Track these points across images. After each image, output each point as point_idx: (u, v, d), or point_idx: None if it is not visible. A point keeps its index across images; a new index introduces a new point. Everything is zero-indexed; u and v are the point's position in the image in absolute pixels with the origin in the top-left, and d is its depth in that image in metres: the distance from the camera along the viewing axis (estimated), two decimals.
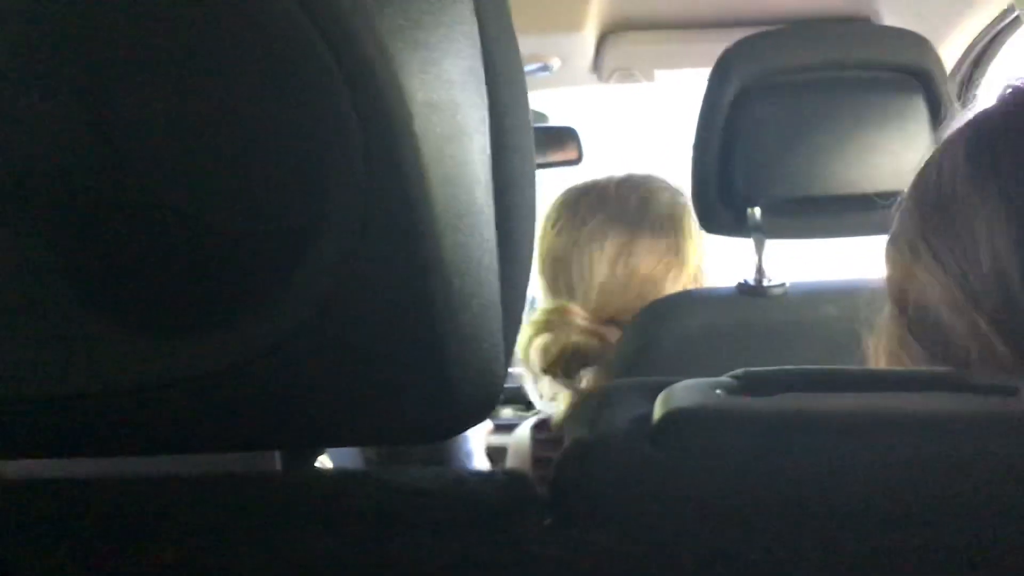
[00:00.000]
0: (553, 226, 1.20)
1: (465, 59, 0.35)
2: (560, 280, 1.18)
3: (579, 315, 1.15)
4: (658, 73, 1.72)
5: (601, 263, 1.15)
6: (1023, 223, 0.46)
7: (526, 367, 1.20)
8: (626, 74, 1.72)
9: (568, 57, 1.69)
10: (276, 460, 0.43)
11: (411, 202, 0.33)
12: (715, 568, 0.34)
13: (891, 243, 0.55)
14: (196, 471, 0.38)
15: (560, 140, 1.82)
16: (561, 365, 1.15)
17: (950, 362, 0.48)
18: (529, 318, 1.17)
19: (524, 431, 1.29)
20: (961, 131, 0.52)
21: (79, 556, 0.36)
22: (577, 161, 1.82)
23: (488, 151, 0.36)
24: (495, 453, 1.59)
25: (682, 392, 0.37)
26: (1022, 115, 0.49)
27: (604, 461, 0.36)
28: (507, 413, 1.90)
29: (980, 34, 1.41)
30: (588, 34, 1.62)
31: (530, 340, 1.16)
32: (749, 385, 0.38)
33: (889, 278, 0.54)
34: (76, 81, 0.32)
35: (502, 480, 0.37)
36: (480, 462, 1.44)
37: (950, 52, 1.43)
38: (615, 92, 1.86)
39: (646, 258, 1.14)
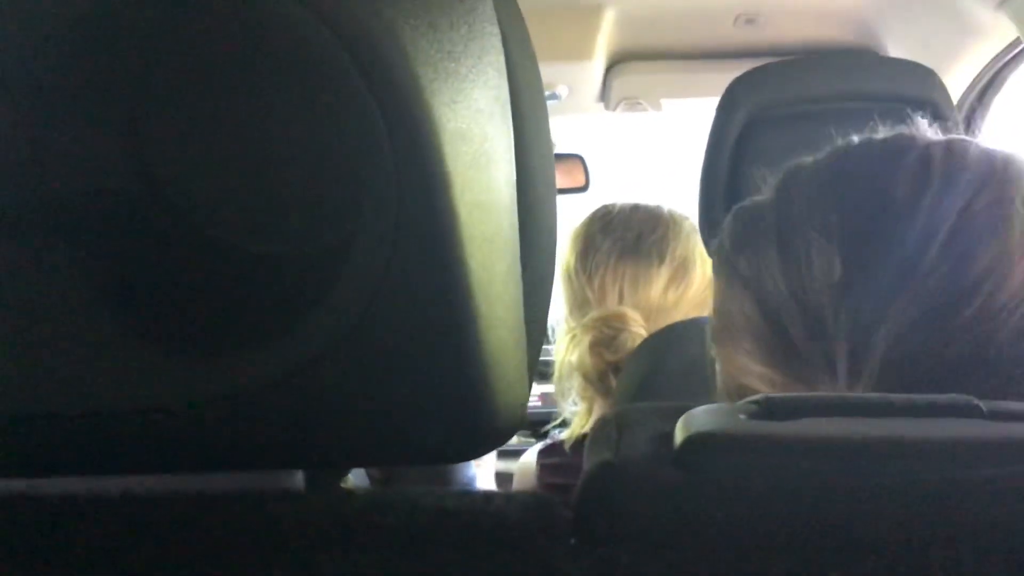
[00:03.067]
0: (604, 236, 1.18)
1: (493, 88, 0.35)
2: (612, 289, 1.17)
3: (638, 322, 1.13)
4: (665, 102, 1.74)
5: (658, 280, 1.15)
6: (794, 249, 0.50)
7: (568, 374, 1.16)
8: (633, 103, 1.74)
9: (576, 85, 1.71)
10: (300, 479, 0.43)
11: (440, 228, 0.33)
12: None
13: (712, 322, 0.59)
14: (221, 489, 0.38)
15: (567, 167, 1.83)
16: (614, 371, 1.13)
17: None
18: (577, 326, 1.16)
19: (530, 457, 1.28)
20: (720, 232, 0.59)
21: (104, 573, 0.36)
22: (584, 188, 1.83)
23: (513, 178, 0.37)
24: (500, 479, 1.57)
25: (704, 416, 0.38)
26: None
27: (628, 483, 0.36)
28: (512, 439, 1.88)
29: (987, 66, 1.42)
30: (596, 63, 1.63)
31: (588, 345, 1.12)
32: (770, 410, 0.38)
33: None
34: (115, 111, 0.32)
35: (527, 500, 0.37)
36: (486, 487, 1.42)
37: (956, 83, 1.44)
38: (622, 120, 1.87)
39: (697, 283, 1.16)
